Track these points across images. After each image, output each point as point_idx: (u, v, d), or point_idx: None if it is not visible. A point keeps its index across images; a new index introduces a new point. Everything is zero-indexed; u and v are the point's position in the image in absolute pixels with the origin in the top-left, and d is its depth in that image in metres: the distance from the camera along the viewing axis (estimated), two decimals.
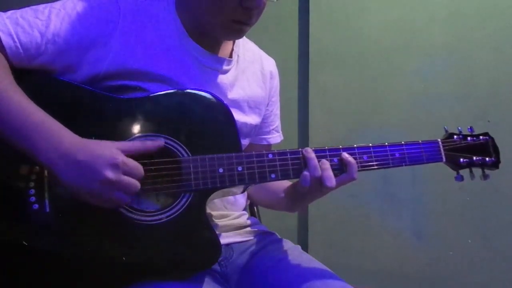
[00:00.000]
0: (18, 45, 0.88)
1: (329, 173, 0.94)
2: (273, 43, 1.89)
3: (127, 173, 0.82)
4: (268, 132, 1.22)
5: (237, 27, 0.97)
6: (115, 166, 0.80)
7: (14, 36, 0.88)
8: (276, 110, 1.23)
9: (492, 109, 1.82)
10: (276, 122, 1.24)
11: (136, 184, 0.83)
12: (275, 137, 1.24)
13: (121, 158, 0.82)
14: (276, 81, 1.21)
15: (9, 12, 0.91)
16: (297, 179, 0.97)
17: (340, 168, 0.96)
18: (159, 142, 0.88)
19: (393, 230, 1.92)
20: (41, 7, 0.92)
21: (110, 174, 0.80)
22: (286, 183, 1.11)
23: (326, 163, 0.94)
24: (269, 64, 1.19)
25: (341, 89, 1.92)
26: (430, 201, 1.89)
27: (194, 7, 0.98)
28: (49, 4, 0.93)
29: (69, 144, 0.82)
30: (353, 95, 1.92)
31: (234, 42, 1.10)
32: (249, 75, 1.12)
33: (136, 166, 0.83)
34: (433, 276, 1.90)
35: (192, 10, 0.99)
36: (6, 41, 0.87)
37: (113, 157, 0.81)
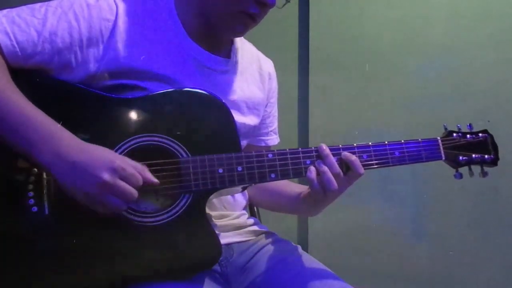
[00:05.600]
0: (15, 43, 0.87)
1: (329, 176, 0.94)
2: (273, 43, 1.88)
3: (124, 178, 0.81)
4: (267, 134, 1.22)
5: (245, 20, 0.96)
6: (112, 169, 0.80)
7: (11, 35, 0.87)
8: (274, 111, 1.23)
9: (492, 109, 1.82)
10: (275, 124, 1.24)
11: (132, 191, 0.81)
12: (273, 139, 1.23)
13: (119, 162, 0.81)
14: (275, 83, 1.21)
15: (5, 11, 0.90)
16: (296, 178, 0.96)
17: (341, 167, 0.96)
18: (156, 181, 0.85)
19: (393, 230, 1.91)
20: (37, 5, 0.91)
21: (106, 176, 0.79)
22: (298, 188, 1.11)
23: (323, 167, 0.95)
24: (268, 65, 1.19)
25: (341, 89, 1.92)
26: (430, 201, 1.89)
27: (197, 1, 0.98)
28: (45, 3, 0.92)
29: (68, 145, 0.81)
30: (353, 95, 1.92)
31: (232, 43, 1.10)
32: (247, 76, 1.11)
33: (134, 173, 0.82)
34: (433, 276, 1.90)
35: (194, 6, 0.98)
36: (3, 39, 0.86)
37: (111, 160, 0.80)
